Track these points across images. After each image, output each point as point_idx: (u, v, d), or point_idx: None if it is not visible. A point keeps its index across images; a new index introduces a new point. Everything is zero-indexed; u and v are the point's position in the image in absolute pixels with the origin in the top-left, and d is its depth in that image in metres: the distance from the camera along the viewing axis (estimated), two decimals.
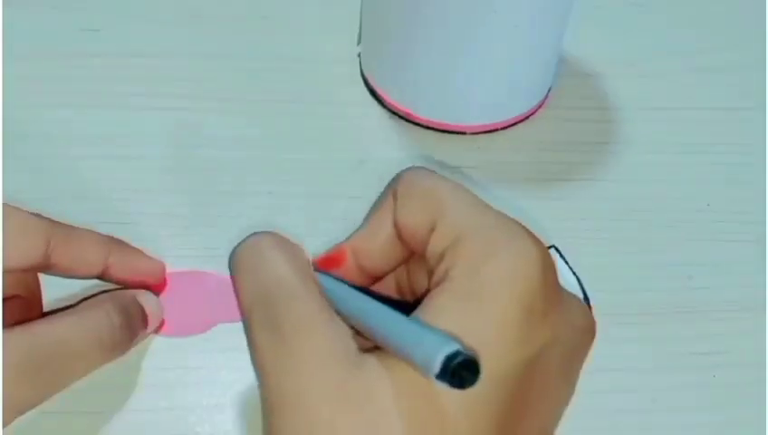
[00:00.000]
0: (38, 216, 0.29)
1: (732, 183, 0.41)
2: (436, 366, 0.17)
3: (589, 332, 0.25)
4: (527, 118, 0.42)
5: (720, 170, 0.41)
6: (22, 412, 0.26)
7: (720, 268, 0.38)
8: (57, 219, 0.30)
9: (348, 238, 0.28)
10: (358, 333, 0.23)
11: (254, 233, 0.26)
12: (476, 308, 0.21)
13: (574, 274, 0.36)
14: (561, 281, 0.25)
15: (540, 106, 0.42)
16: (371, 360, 0.21)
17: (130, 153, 0.39)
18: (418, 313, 0.22)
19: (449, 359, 0.17)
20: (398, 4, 0.36)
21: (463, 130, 0.41)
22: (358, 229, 0.28)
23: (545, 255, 0.23)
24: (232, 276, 0.25)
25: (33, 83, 0.41)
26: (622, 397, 0.34)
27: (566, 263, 0.36)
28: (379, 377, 0.21)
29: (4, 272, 0.27)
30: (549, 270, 0.22)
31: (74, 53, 0.43)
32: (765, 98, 0.45)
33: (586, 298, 0.35)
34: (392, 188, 0.26)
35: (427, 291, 0.23)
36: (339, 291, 0.25)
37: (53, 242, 0.29)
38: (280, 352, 0.22)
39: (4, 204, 0.28)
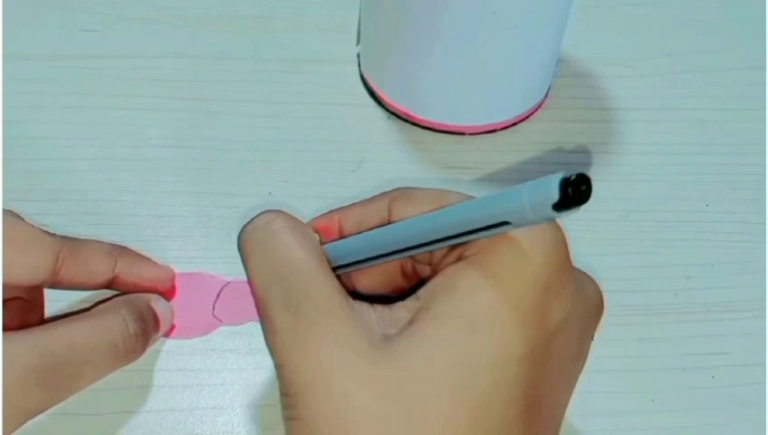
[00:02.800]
0: (46, 232, 0.29)
1: (731, 184, 0.41)
2: (555, 192, 0.18)
3: (599, 307, 0.25)
4: (526, 118, 0.42)
5: (719, 171, 0.41)
6: (31, 416, 0.26)
7: (719, 269, 0.38)
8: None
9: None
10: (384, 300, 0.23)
11: (265, 212, 0.26)
12: (496, 287, 0.21)
13: None
14: None
15: (539, 106, 0.42)
16: (399, 343, 0.21)
17: (130, 153, 0.39)
18: (432, 287, 0.22)
19: (563, 183, 0.18)
20: (397, 4, 0.36)
21: (462, 131, 0.41)
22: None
23: (560, 232, 0.23)
24: (243, 255, 0.25)
25: (34, 83, 0.41)
26: (621, 397, 0.34)
27: None
28: (410, 362, 0.21)
29: (3, 277, 0.27)
30: (563, 247, 0.23)
31: (74, 53, 0.43)
32: (765, 98, 0.45)
33: None
34: (387, 196, 0.26)
35: (434, 274, 0.23)
36: (358, 242, 0.25)
37: (62, 257, 0.29)
38: (301, 334, 0.22)
39: (13, 220, 0.28)
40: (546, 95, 0.43)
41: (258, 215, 0.26)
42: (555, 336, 0.22)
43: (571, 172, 0.18)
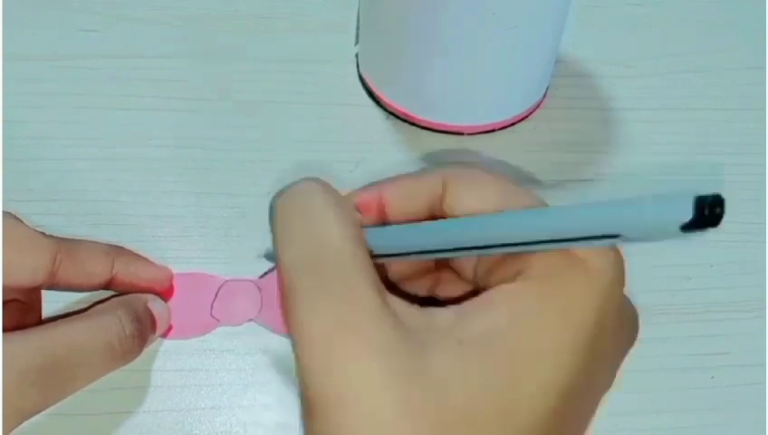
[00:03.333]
0: (43, 233, 0.29)
1: (731, 184, 0.41)
2: (689, 211, 0.16)
3: (635, 335, 0.25)
4: (525, 118, 0.42)
5: (719, 171, 0.41)
6: (27, 417, 0.26)
7: (719, 269, 0.38)
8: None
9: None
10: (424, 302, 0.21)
11: (306, 179, 0.24)
12: (558, 319, 0.20)
13: None
14: None
15: (537, 106, 0.42)
16: (440, 361, 0.20)
17: (130, 153, 0.39)
18: (485, 306, 0.21)
19: (698, 203, 0.16)
20: (396, 5, 0.36)
21: (460, 131, 0.41)
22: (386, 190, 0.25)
23: (623, 264, 0.22)
24: (275, 225, 0.23)
25: (34, 83, 0.41)
26: (621, 398, 0.33)
27: None
28: (452, 385, 0.20)
29: (4, 281, 0.27)
30: (623, 279, 0.22)
31: (74, 53, 0.43)
32: (765, 98, 0.44)
33: None
34: (440, 173, 0.24)
35: (484, 284, 0.21)
36: (418, 233, 0.23)
37: (59, 258, 0.29)
38: (332, 335, 0.20)
39: (11, 221, 0.28)
40: (545, 95, 0.43)
41: (298, 182, 0.23)
42: (598, 367, 0.21)
43: (706, 193, 0.17)
